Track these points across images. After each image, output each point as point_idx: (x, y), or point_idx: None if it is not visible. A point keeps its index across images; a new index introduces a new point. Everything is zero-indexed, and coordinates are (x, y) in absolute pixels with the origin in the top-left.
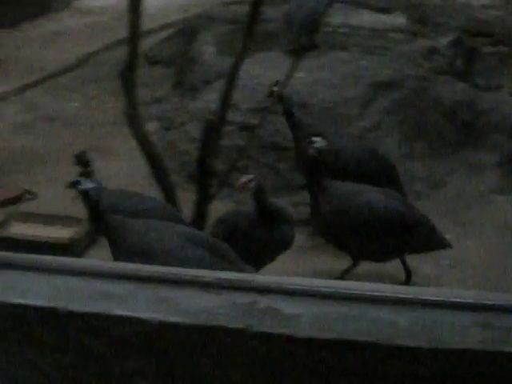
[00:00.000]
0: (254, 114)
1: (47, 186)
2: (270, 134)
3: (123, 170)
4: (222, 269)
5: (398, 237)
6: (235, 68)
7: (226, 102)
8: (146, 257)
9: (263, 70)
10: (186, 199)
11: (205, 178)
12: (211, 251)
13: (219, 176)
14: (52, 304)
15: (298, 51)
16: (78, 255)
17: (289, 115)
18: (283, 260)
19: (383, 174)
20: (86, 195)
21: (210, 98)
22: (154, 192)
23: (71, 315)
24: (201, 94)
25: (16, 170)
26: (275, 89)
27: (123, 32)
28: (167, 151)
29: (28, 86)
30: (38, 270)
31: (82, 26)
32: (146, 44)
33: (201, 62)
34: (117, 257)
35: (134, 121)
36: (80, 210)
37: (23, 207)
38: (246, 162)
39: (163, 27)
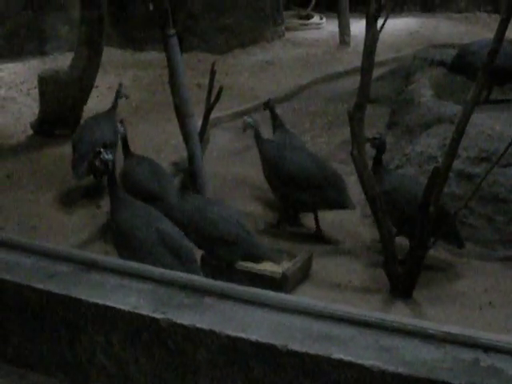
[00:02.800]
0: (474, 163)
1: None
2: (488, 185)
3: None
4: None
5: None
6: (466, 116)
7: (453, 149)
8: (125, 242)
9: (484, 119)
10: (399, 244)
11: (425, 225)
12: (176, 255)
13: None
14: (272, 341)
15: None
16: (290, 291)
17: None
18: None
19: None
20: (105, 165)
21: (428, 143)
22: (369, 232)
23: (290, 354)
24: (419, 138)
25: (230, 197)
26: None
27: (334, 66)
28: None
29: (240, 114)
30: (258, 304)
31: (293, 57)
32: (358, 80)
33: (418, 105)
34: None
35: (359, 161)
36: (293, 245)
37: None
38: (464, 211)
39: (376, 65)
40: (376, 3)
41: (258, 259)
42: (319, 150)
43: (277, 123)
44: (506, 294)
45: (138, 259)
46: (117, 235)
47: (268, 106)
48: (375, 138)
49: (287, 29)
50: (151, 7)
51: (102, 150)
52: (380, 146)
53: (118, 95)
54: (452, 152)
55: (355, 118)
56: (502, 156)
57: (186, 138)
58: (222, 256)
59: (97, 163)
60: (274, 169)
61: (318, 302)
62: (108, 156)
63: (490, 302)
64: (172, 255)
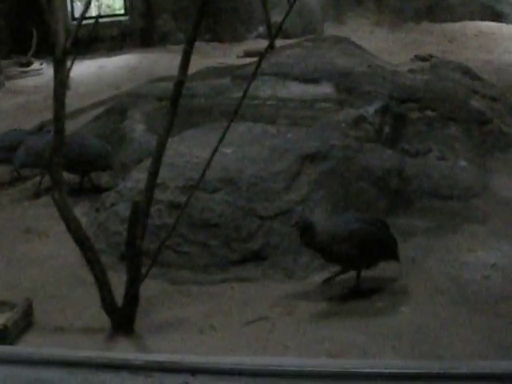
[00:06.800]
0: (183, 192)
1: None
2: (198, 211)
3: (56, 252)
4: None
5: None
6: (161, 146)
7: (152, 181)
8: None
9: (190, 148)
10: (120, 280)
11: (134, 258)
12: None
13: (150, 255)
14: None
15: None
16: (13, 341)
17: None
18: None
19: None
20: None
21: (139, 178)
22: (87, 273)
23: None
24: (130, 173)
25: None
26: None
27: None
28: (98, 232)
29: None
30: None
31: (15, 105)
32: (78, 122)
33: (131, 141)
34: None
35: (61, 204)
36: (14, 295)
37: None
38: (177, 239)
39: (95, 105)
40: (62, 46)
41: None
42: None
43: None
44: (226, 315)
45: None
46: None
47: None
48: None
49: (7, 78)
50: None
51: None
52: None
53: None
54: (150, 183)
55: (53, 162)
56: (199, 182)
57: None
58: None
59: None
60: None
61: (26, 347)
62: None
63: (211, 325)
64: None
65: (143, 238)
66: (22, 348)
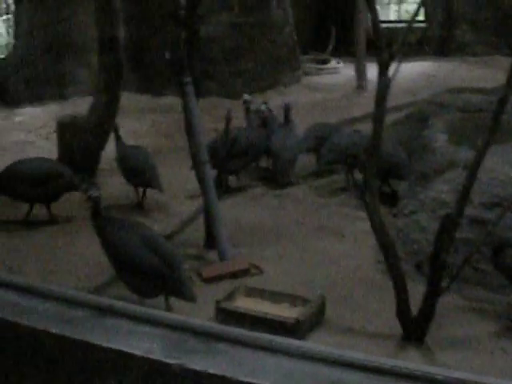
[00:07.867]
0: (487, 209)
1: (275, 262)
2: (501, 229)
3: (351, 252)
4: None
5: None
6: (478, 161)
7: (464, 195)
8: (119, 251)
9: (497, 164)
10: (413, 289)
11: (438, 271)
12: (160, 255)
13: (451, 270)
14: None
15: None
16: (303, 337)
17: None
18: None
19: None
20: (94, 201)
21: (441, 189)
22: (381, 278)
23: None
24: (432, 183)
25: (245, 244)
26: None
27: (351, 110)
28: (395, 238)
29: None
30: (269, 350)
31: (311, 101)
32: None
33: (432, 150)
34: (104, 248)
35: (371, 207)
36: (306, 290)
37: (249, 281)
38: (476, 256)
39: (391, 110)
40: (387, 51)
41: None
42: (335, 194)
43: None
44: None
45: (128, 266)
46: (109, 253)
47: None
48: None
49: (304, 73)
50: (167, 55)
51: (87, 186)
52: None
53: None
54: (463, 198)
55: (368, 164)
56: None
57: (202, 184)
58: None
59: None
60: None
61: (327, 347)
62: (95, 193)
63: (502, 348)
64: (157, 257)
65: (449, 251)
66: (321, 347)
